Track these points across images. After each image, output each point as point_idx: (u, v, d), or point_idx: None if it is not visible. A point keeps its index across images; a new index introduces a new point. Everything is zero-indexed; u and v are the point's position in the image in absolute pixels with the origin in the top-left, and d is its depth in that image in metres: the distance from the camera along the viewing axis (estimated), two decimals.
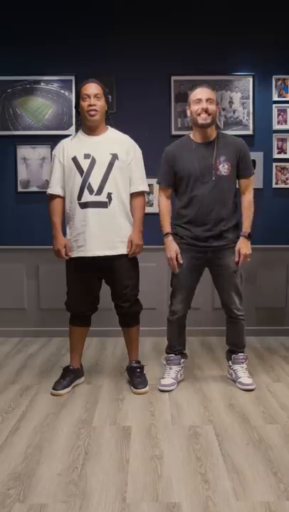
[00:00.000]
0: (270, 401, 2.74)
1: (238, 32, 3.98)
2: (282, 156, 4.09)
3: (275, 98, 4.07)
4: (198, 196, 2.83)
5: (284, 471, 2.02)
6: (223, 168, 2.82)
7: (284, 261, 4.12)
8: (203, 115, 2.78)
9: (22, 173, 4.10)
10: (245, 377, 2.94)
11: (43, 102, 4.07)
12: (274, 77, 4.05)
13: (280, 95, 4.07)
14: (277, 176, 4.10)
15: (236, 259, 2.88)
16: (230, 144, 2.87)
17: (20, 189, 4.12)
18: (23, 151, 4.09)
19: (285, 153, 4.09)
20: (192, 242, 2.88)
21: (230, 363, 3.05)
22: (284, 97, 4.07)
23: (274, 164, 4.10)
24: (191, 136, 2.92)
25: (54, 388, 2.86)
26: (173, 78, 4.03)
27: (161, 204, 2.95)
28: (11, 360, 3.53)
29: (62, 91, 4.04)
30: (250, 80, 4.04)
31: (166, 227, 2.93)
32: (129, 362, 3.04)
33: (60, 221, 2.88)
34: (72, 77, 4.01)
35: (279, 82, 4.06)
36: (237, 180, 2.93)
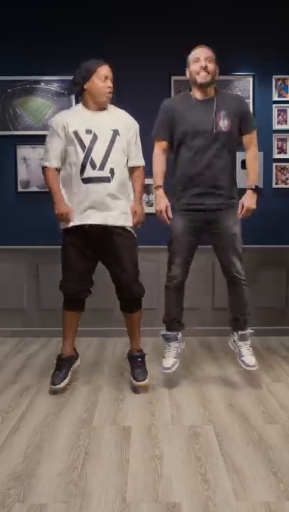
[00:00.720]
0: (270, 401, 2.74)
1: (238, 32, 3.98)
2: (282, 156, 4.09)
3: (275, 98, 4.07)
4: (197, 150, 2.80)
5: (284, 471, 2.02)
6: (223, 124, 2.80)
7: (284, 261, 4.12)
8: (203, 73, 2.78)
9: (22, 173, 4.10)
10: (248, 356, 2.89)
11: (43, 102, 4.06)
12: (274, 77, 4.06)
13: (280, 95, 4.07)
14: (277, 176, 4.10)
15: (238, 212, 2.84)
16: (230, 100, 2.87)
17: (20, 189, 4.11)
18: (23, 151, 4.09)
19: (285, 153, 4.09)
20: (189, 203, 2.83)
21: (235, 336, 2.97)
22: (284, 97, 4.07)
23: (274, 164, 4.10)
24: (190, 94, 2.89)
25: (52, 383, 2.85)
26: (173, 78, 4.03)
27: (156, 158, 2.92)
28: (11, 360, 3.53)
29: (63, 91, 4.04)
30: (250, 80, 4.04)
31: (158, 180, 2.90)
32: (130, 350, 3.03)
33: (59, 188, 2.84)
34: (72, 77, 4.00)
35: (279, 82, 4.06)
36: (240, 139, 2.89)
